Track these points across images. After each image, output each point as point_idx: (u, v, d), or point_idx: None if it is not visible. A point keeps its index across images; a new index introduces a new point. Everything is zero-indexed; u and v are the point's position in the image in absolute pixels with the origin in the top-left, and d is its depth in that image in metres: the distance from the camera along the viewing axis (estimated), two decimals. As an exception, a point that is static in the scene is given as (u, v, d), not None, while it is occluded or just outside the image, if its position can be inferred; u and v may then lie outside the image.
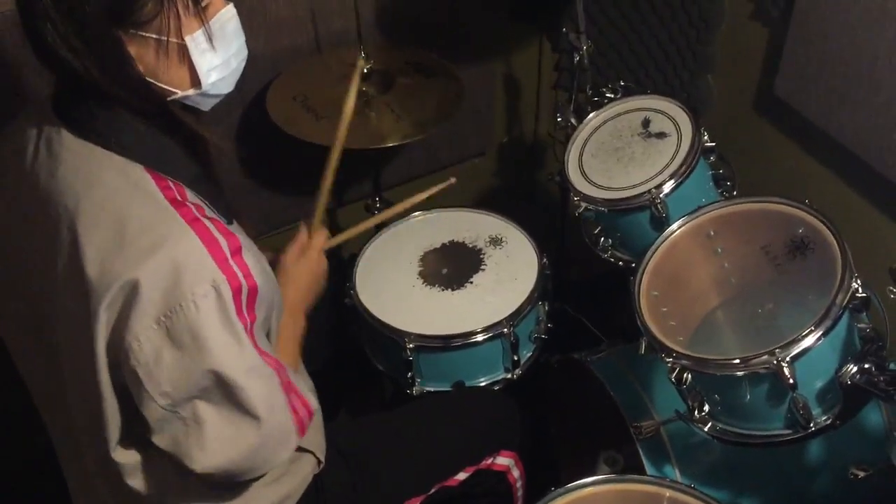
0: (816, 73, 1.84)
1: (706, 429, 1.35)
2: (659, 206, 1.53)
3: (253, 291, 1.03)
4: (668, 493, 1.28)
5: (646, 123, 1.65)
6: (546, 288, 1.72)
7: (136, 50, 1.00)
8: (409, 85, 1.80)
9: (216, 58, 1.05)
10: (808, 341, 1.24)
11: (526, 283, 1.66)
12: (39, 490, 1.44)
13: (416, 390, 1.64)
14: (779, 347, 1.24)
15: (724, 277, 1.45)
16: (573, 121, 1.87)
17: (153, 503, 1.14)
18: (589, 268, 1.88)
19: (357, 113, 1.72)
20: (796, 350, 1.23)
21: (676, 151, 1.57)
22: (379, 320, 1.60)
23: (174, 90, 1.05)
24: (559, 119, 1.94)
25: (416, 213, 1.84)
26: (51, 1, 0.94)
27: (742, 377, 1.27)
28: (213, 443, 1.04)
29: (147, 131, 1.05)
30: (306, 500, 1.31)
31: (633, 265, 1.50)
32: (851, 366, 1.24)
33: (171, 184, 1.04)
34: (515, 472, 1.56)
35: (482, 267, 1.70)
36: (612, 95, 1.79)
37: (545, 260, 1.71)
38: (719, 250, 1.46)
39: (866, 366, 1.23)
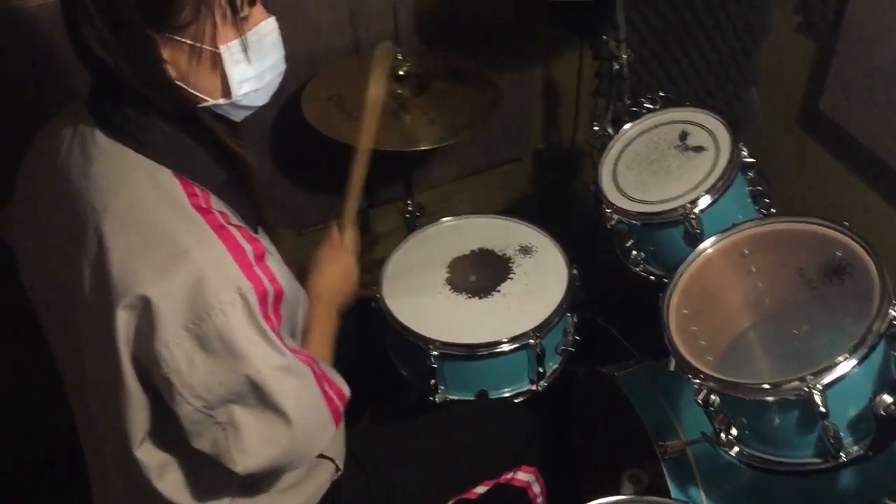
0: (863, 89, 1.79)
1: (733, 453, 1.31)
2: (693, 221, 1.49)
3: (278, 295, 1.05)
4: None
5: (683, 136, 1.62)
6: (575, 300, 1.69)
7: (169, 54, 1.00)
8: (444, 89, 1.78)
9: (250, 69, 1.04)
10: (841, 369, 1.20)
11: (554, 294, 1.63)
12: (65, 475, 1.45)
13: (439, 398, 1.62)
14: (811, 374, 1.20)
15: (758, 297, 1.42)
16: (610, 130, 1.85)
17: None
18: (622, 278, 1.86)
19: (391, 115, 1.73)
20: (829, 378, 1.19)
21: (714, 166, 1.54)
22: (404, 325, 1.59)
23: (205, 97, 1.05)
24: (596, 128, 1.91)
25: (447, 219, 1.82)
26: None
27: (772, 403, 1.23)
28: (252, 444, 1.06)
29: (177, 136, 1.05)
30: (321, 507, 1.31)
31: (665, 281, 1.46)
32: (886, 396, 1.20)
33: (197, 190, 1.05)
34: (536, 488, 1.54)
35: (510, 276, 1.68)
36: (651, 106, 1.75)
37: (575, 271, 1.69)
38: (753, 269, 1.43)
39: (902, 396, 1.19)
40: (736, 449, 1.31)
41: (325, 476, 1.31)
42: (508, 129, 2.27)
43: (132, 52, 0.97)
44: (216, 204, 1.06)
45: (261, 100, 1.10)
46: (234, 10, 0.99)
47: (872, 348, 1.18)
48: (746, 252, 1.43)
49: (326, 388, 1.13)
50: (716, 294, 1.43)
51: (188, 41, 0.99)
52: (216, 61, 1.01)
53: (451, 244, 1.76)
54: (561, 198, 2.54)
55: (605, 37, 1.82)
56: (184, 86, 1.03)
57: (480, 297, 1.64)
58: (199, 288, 0.97)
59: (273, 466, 1.09)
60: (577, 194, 2.52)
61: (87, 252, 1.02)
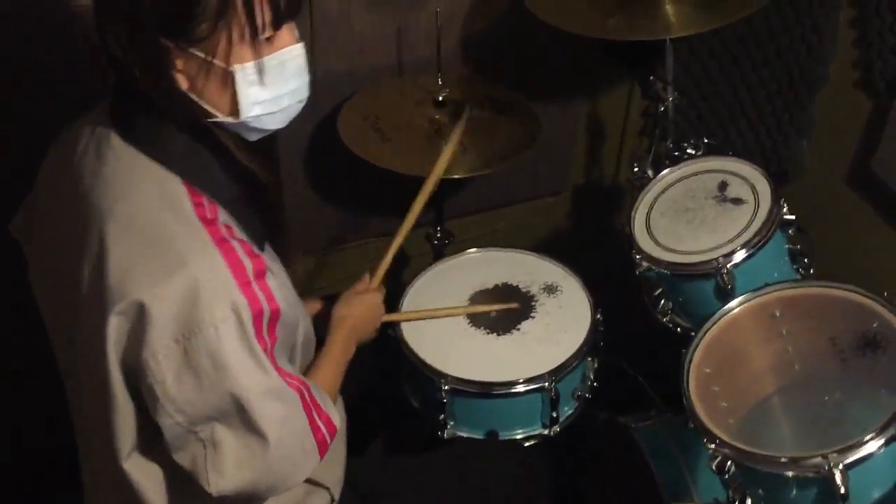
0: (919, 152, 1.72)
1: (745, 525, 1.25)
2: (725, 276, 1.43)
3: (275, 315, 1.02)
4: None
5: (722, 187, 1.56)
6: (597, 344, 1.64)
7: (183, 64, 0.99)
8: (483, 118, 1.75)
9: (264, 93, 1.02)
10: (867, 448, 1.14)
11: (575, 337, 1.58)
12: (61, 481, 1.44)
13: (447, 433, 1.57)
14: (834, 451, 1.14)
15: (787, 362, 1.35)
16: (650, 172, 1.79)
17: None
18: (654, 324, 1.81)
19: (425, 140, 1.70)
20: (853, 457, 1.13)
21: (751, 220, 1.48)
22: (417, 356, 1.55)
23: (215, 112, 1.03)
24: (636, 169, 1.86)
25: (472, 250, 1.78)
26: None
27: (790, 478, 1.17)
28: (229, 466, 1.03)
29: (191, 146, 1.04)
30: (313, 538, 1.27)
31: (692, 334, 1.41)
32: (913, 482, 1.13)
33: (205, 201, 1.03)
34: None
35: (532, 314, 1.63)
36: (693, 152, 1.70)
37: (599, 315, 1.63)
38: (784, 332, 1.36)
39: (931, 483, 1.12)
40: (749, 521, 1.24)
41: (319, 504, 1.28)
42: (550, 161, 2.23)
43: (144, 57, 0.96)
44: (224, 217, 1.04)
45: (276, 123, 1.07)
46: (254, 32, 0.97)
47: (902, 430, 1.11)
48: (777, 314, 1.37)
49: (315, 417, 1.10)
50: (742, 355, 1.37)
51: (201, 55, 0.97)
52: (228, 79, 1.00)
53: (474, 276, 1.71)
54: (599, 236, 2.49)
55: (652, 77, 1.78)
56: (197, 99, 1.01)
57: (499, 334, 1.60)
58: (192, 300, 0.96)
59: (247, 491, 1.06)
60: (616, 234, 2.46)
61: (89, 254, 1.01)
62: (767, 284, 1.38)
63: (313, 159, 1.94)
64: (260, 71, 1.00)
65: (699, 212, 1.55)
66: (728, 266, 1.44)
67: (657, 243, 1.54)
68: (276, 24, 0.99)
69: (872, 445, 1.13)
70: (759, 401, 1.34)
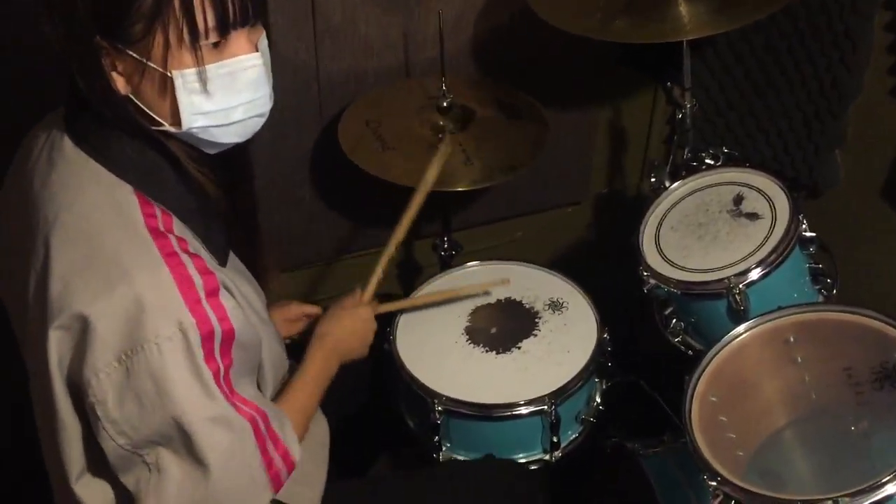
0: (958, 165, 1.60)
1: (751, 568, 1.15)
2: (738, 296, 1.34)
3: (228, 335, 0.96)
4: None
5: (737, 200, 1.47)
6: (604, 365, 1.55)
7: (122, 65, 0.94)
8: (488, 123, 1.67)
9: (208, 103, 0.95)
10: (887, 490, 1.03)
11: (579, 358, 1.49)
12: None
13: (443, 456, 1.50)
14: (847, 495, 1.04)
15: (802, 392, 1.26)
16: (667, 183, 1.70)
17: None
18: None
19: (428, 149, 1.63)
20: (870, 500, 1.03)
21: (767, 237, 1.38)
22: (410, 374, 1.48)
23: (160, 121, 0.97)
24: (653, 179, 1.76)
25: (474, 263, 1.70)
26: None
27: (799, 524, 1.08)
28: (171, 494, 0.97)
29: (142, 153, 0.98)
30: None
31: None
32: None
33: (157, 211, 0.97)
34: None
35: (535, 332, 1.55)
36: (712, 162, 1.60)
37: (606, 335, 1.54)
38: (799, 360, 1.26)
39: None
40: (754, 565, 1.14)
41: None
42: (568, 170, 2.14)
43: (79, 56, 0.91)
44: (179, 229, 0.98)
45: (230, 137, 1.01)
46: (193, 35, 0.91)
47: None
48: (792, 339, 1.27)
49: (269, 450, 1.03)
50: (752, 383, 1.27)
51: (137, 56, 0.92)
52: (166, 85, 0.93)
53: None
54: (620, 248, 2.39)
55: (669, 83, 1.68)
56: (139, 104, 0.96)
57: (498, 353, 1.52)
58: (136, 316, 0.90)
59: None
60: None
61: (35, 264, 0.97)
62: (781, 307, 1.28)
63: (316, 166, 1.89)
64: (203, 79, 0.94)
65: (711, 226, 1.46)
66: (741, 285, 1.34)
67: (665, 259, 1.45)
68: (223, 31, 0.93)
69: (891, 488, 1.03)
70: (771, 433, 1.24)
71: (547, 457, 1.50)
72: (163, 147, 0.99)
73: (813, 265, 1.42)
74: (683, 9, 1.41)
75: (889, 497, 1.04)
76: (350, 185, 1.83)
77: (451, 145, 1.54)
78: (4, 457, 1.85)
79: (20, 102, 1.48)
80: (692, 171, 1.59)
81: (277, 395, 1.19)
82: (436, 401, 1.44)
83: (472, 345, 1.53)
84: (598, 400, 1.56)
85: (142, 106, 0.96)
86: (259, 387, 1.12)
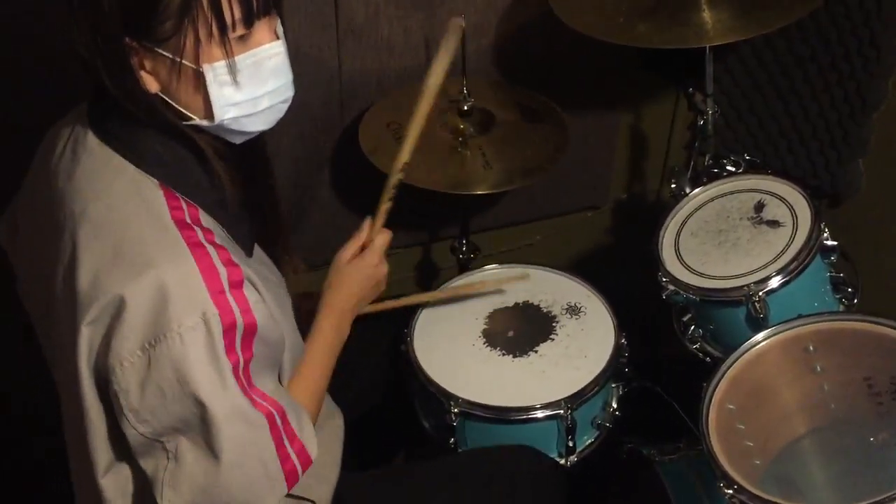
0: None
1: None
2: (757, 304, 1.33)
3: (250, 328, 0.96)
4: None
5: (759, 208, 1.46)
6: (620, 370, 1.54)
7: (151, 65, 0.94)
8: (509, 127, 1.67)
9: (238, 94, 0.97)
10: (903, 503, 1.02)
11: (596, 362, 1.49)
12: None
13: (458, 458, 1.50)
14: (864, 506, 1.03)
15: (822, 401, 1.25)
16: (688, 189, 1.69)
17: None
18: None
19: (448, 152, 1.63)
20: (887, 512, 1.02)
21: (788, 245, 1.37)
22: (427, 375, 1.48)
23: (190, 115, 0.98)
24: (673, 185, 1.76)
25: (492, 266, 1.70)
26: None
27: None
28: (185, 483, 0.98)
29: (168, 147, 0.99)
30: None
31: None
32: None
33: (183, 204, 0.99)
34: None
35: (552, 336, 1.54)
36: (733, 169, 1.60)
37: (624, 340, 1.54)
38: (818, 369, 1.25)
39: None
40: (771, 576, 1.14)
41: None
42: (587, 174, 2.14)
43: (108, 58, 0.92)
44: (205, 221, 1.00)
45: (258, 125, 1.02)
46: (222, 29, 0.92)
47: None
48: (811, 348, 1.26)
49: (285, 444, 1.04)
50: (770, 391, 1.26)
51: (168, 54, 0.92)
52: (198, 80, 0.95)
53: (493, 294, 1.63)
54: (639, 254, 2.38)
55: (691, 89, 1.68)
56: (169, 100, 0.96)
57: (515, 356, 1.52)
58: (161, 304, 0.91)
59: None
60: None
61: (63, 260, 0.98)
62: (801, 316, 1.27)
63: (336, 167, 1.89)
64: (232, 71, 0.95)
65: (731, 233, 1.45)
66: (760, 293, 1.33)
67: (685, 266, 1.44)
68: (248, 22, 0.94)
69: (908, 501, 1.02)
70: (789, 442, 1.23)
71: (562, 461, 1.50)
72: (190, 141, 0.99)
73: (834, 274, 1.41)
74: (707, 14, 1.41)
75: (907, 510, 1.03)
76: (370, 185, 1.84)
77: (456, 31, 1.38)
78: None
79: (19, 102, 1.51)
80: (713, 178, 1.58)
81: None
82: (452, 403, 1.44)
83: (489, 348, 1.53)
84: (615, 405, 1.56)
85: (171, 102, 0.97)
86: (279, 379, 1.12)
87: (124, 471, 1.04)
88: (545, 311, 1.60)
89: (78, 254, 0.95)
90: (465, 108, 1.67)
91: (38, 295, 1.10)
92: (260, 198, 1.15)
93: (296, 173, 1.85)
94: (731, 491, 1.12)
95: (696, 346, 1.50)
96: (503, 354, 1.52)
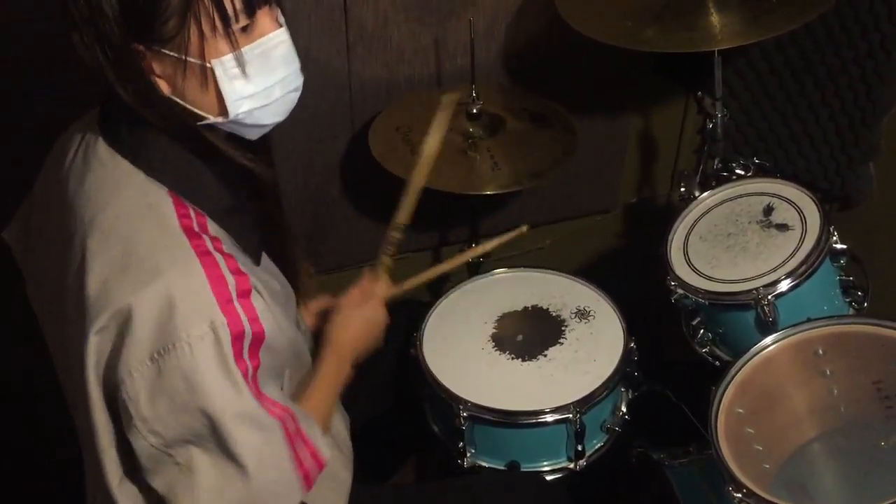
0: None
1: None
2: (766, 307, 1.33)
3: (258, 337, 0.97)
4: None
5: (767, 211, 1.46)
6: (630, 375, 1.54)
7: (160, 67, 0.95)
8: (518, 131, 1.67)
9: (249, 86, 0.97)
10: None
11: (605, 366, 1.49)
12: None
13: (467, 462, 1.50)
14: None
15: (831, 405, 1.24)
16: (697, 193, 1.69)
17: None
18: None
19: (458, 154, 1.64)
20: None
21: (797, 248, 1.37)
22: (436, 379, 1.48)
23: (204, 115, 0.98)
24: (682, 189, 1.76)
25: (501, 270, 1.70)
26: (78, 7, 0.90)
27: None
28: (203, 493, 0.98)
29: (178, 154, 1.00)
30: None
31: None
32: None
33: (191, 212, 0.99)
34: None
35: (561, 340, 1.54)
36: (742, 172, 1.60)
37: (633, 345, 1.54)
38: (828, 372, 1.25)
39: None
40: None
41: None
42: (597, 178, 2.14)
43: (117, 66, 0.92)
44: (213, 229, 1.00)
45: (272, 117, 1.02)
46: (225, 21, 0.92)
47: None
48: (821, 352, 1.26)
49: (299, 449, 1.04)
50: (779, 395, 1.26)
51: (174, 54, 0.93)
52: (207, 77, 0.95)
53: (502, 297, 1.64)
54: (649, 258, 2.38)
55: (700, 93, 1.68)
56: (182, 102, 0.97)
57: (524, 360, 1.52)
58: (168, 314, 0.91)
59: None
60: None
61: (72, 266, 0.98)
62: (810, 319, 1.27)
63: (347, 172, 1.90)
64: (241, 63, 0.95)
65: (741, 237, 1.45)
66: (770, 297, 1.33)
67: (693, 269, 1.44)
68: (250, 11, 0.94)
69: (919, 504, 1.02)
70: (799, 446, 1.23)
71: (571, 465, 1.50)
72: (203, 145, 0.99)
73: (843, 277, 1.41)
74: (715, 18, 1.41)
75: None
76: (380, 190, 1.84)
77: (451, 105, 1.47)
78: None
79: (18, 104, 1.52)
80: (722, 181, 1.58)
81: (295, 396, 1.19)
82: (461, 407, 1.44)
83: (498, 352, 1.54)
84: (624, 409, 1.56)
85: (184, 104, 0.97)
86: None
87: (139, 484, 1.03)
88: (554, 314, 1.60)
89: (87, 261, 0.96)
90: (475, 111, 1.68)
91: (47, 298, 1.11)
92: (267, 206, 1.16)
93: (306, 179, 1.86)
94: (740, 495, 1.12)
95: (706, 349, 1.50)
96: (512, 358, 1.52)
